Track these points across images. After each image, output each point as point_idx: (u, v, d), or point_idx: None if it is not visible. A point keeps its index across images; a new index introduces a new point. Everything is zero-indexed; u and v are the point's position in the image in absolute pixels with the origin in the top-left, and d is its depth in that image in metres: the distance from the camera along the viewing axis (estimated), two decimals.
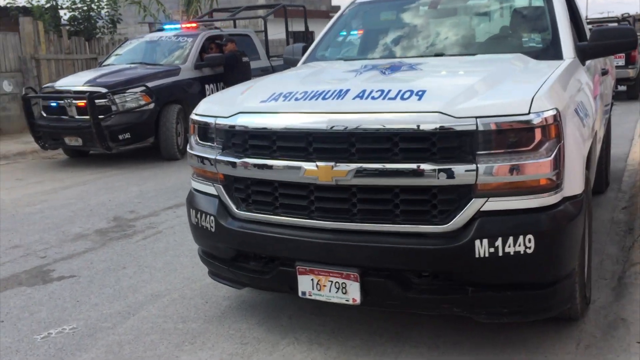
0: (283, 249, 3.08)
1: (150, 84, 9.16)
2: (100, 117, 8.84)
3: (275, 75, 3.97)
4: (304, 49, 4.54)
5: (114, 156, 9.94)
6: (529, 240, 2.66)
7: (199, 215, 3.39)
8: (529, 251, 2.67)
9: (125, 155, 10.16)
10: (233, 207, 3.22)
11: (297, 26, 16.20)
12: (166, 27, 11.55)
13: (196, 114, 3.42)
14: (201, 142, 3.37)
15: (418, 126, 2.69)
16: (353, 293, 2.91)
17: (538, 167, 2.65)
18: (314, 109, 2.92)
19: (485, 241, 2.68)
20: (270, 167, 3.01)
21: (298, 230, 3.02)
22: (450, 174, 2.66)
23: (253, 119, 3.09)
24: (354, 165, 2.79)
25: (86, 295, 4.22)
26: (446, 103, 2.71)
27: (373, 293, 2.92)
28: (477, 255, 2.69)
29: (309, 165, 2.88)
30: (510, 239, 2.67)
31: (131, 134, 9.10)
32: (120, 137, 9.07)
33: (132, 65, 10.15)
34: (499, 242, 2.67)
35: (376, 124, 2.75)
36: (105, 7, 15.74)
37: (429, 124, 2.67)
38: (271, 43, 13.68)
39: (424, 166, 2.68)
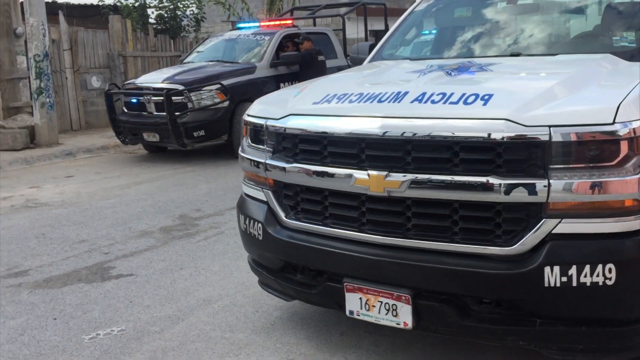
0: (330, 263, 2.85)
1: (225, 82, 9.17)
2: (176, 114, 8.95)
3: (334, 75, 3.74)
4: (371, 48, 4.28)
5: (190, 153, 10.05)
6: (609, 270, 2.30)
7: (247, 222, 3.22)
8: (608, 283, 2.31)
9: (201, 152, 10.25)
10: (282, 214, 3.02)
11: (380, 24, 15.88)
12: (240, 25, 11.57)
13: (248, 115, 3.25)
14: (253, 144, 3.20)
15: (482, 135, 2.38)
16: (404, 316, 2.64)
17: (623, 185, 2.27)
18: (368, 113, 2.67)
19: (556, 268, 2.34)
20: (319, 173, 2.79)
21: (347, 243, 2.78)
22: (517, 190, 2.34)
23: (303, 122, 2.87)
24: (408, 176, 2.52)
25: (140, 296, 4.16)
26: (515, 109, 2.39)
27: (426, 318, 2.64)
28: (546, 284, 2.35)
29: (360, 174, 2.63)
30: (587, 268, 2.31)
31: (205, 131, 9.15)
32: (195, 134, 9.15)
33: (210, 63, 10.23)
34: (572, 271, 2.32)
35: (434, 131, 2.46)
36: (191, 6, 16.07)
37: (494, 133, 2.35)
38: (351, 42, 13.46)
39: (487, 180, 2.37)
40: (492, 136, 2.35)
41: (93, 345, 3.46)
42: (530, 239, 2.38)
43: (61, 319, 3.83)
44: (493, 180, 2.37)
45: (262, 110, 3.19)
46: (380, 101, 2.70)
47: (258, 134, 3.14)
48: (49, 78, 10.92)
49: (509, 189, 2.35)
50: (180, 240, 5.41)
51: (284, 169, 2.93)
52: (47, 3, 11.52)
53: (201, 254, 4.99)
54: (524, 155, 2.35)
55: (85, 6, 17.93)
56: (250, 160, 3.17)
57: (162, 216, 6.26)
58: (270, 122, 3.01)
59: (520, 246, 2.39)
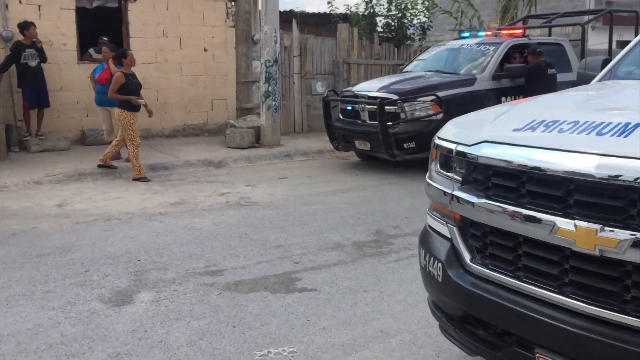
0: (520, 326, 2.33)
1: (441, 94, 8.75)
2: (388, 123, 8.79)
3: (548, 96, 3.13)
4: (604, 63, 3.57)
5: (400, 164, 9.81)
6: None
7: (427, 258, 2.83)
8: None
9: (411, 164, 9.94)
10: (466, 257, 2.58)
11: (630, 35, 14.07)
12: (464, 35, 10.99)
13: (439, 138, 2.85)
14: (442, 171, 2.80)
15: None
16: None
17: None
18: (581, 147, 2.11)
19: None
20: (513, 215, 2.30)
21: (543, 305, 2.24)
22: None
23: (499, 151, 2.40)
24: (630, 234, 1.92)
25: (318, 316, 3.99)
26: None
27: None
28: None
29: (564, 223, 2.09)
30: None
31: (416, 143, 8.82)
32: (405, 145, 8.89)
33: (429, 73, 9.88)
34: None
35: None
36: (419, 14, 15.88)
37: None
38: (594, 54, 12.08)
39: None
40: None
41: None
42: None
43: (240, 328, 3.82)
44: None
45: (454, 133, 2.77)
46: (600, 134, 2.12)
47: (448, 159, 2.74)
48: (276, 82, 11.53)
49: None
50: (370, 258, 5.18)
51: (472, 203, 2.49)
52: (282, 12, 12.23)
53: (389, 277, 4.69)
54: None
55: (318, 15, 18.78)
56: (437, 188, 2.78)
57: (358, 229, 6.10)
58: (460, 148, 2.59)
59: None
